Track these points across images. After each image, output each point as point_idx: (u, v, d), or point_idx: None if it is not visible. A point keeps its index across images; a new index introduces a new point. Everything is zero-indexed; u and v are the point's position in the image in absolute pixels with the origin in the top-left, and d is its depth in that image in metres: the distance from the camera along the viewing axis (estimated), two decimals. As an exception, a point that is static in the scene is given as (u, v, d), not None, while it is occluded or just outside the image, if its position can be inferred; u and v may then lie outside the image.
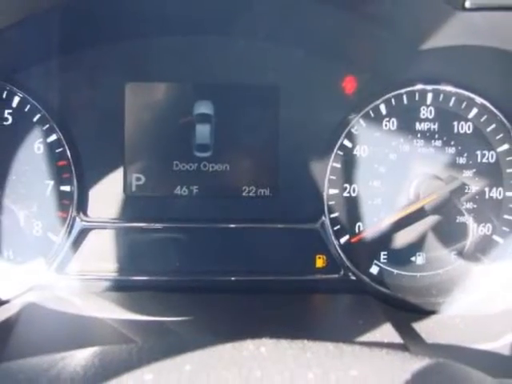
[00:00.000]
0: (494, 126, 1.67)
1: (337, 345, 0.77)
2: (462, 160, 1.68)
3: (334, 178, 1.68)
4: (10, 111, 1.61)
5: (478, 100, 1.66)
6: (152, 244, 1.66)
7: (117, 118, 1.65)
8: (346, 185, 1.69)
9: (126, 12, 1.51)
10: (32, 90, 1.61)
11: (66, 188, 1.63)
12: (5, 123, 1.61)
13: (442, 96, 1.68)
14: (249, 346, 0.75)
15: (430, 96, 1.68)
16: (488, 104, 1.65)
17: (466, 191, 1.68)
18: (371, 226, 1.69)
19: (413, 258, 1.71)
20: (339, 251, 1.68)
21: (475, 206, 1.69)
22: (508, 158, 1.68)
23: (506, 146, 1.67)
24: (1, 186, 1.60)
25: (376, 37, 1.52)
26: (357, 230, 1.70)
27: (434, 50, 1.44)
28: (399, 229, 1.69)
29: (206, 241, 1.67)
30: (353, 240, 1.70)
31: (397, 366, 0.74)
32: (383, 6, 1.37)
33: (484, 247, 1.69)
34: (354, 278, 1.68)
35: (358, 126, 1.67)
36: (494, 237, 1.70)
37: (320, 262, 1.69)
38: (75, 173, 1.63)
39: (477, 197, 1.69)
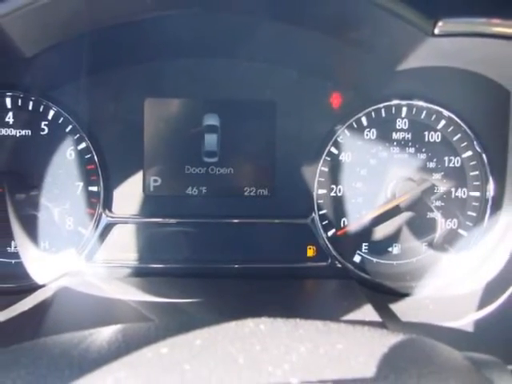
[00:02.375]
0: (459, 135, 1.67)
1: (325, 323, 0.77)
2: (431, 164, 1.68)
3: (322, 179, 1.68)
4: (46, 123, 1.61)
5: (446, 113, 1.66)
6: (167, 236, 1.66)
7: (137, 129, 1.64)
8: (333, 186, 1.68)
9: (145, 38, 1.51)
10: (65, 104, 1.61)
11: (94, 188, 1.63)
12: (42, 133, 1.61)
13: (414, 110, 1.67)
14: (249, 324, 0.75)
15: (404, 110, 1.67)
16: (454, 116, 1.65)
17: (436, 191, 1.67)
18: (354, 221, 1.69)
19: (390, 249, 1.71)
20: (327, 243, 1.68)
21: (443, 203, 1.69)
22: (471, 163, 1.67)
23: (469, 153, 1.67)
24: (38, 187, 1.60)
25: (358, 59, 1.52)
26: (342, 225, 1.69)
27: (408, 71, 1.43)
28: (378, 223, 1.69)
29: (213, 234, 1.67)
30: (339, 233, 1.69)
31: (376, 341, 0.74)
32: (365, 33, 1.37)
33: (451, 239, 1.69)
34: (339, 265, 1.68)
35: (343, 135, 1.67)
36: (460, 230, 1.69)
37: (310, 251, 1.69)
38: (102, 175, 1.62)
39: (444, 196, 1.68)
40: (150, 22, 1.38)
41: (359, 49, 1.44)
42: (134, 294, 1.44)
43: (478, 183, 1.68)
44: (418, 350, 0.75)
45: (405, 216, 1.69)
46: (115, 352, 0.67)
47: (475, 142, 1.66)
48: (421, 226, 1.69)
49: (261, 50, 1.60)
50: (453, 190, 1.68)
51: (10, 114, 1.60)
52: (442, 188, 1.68)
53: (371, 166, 1.68)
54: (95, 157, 1.62)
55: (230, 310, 1.32)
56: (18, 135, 1.60)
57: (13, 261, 1.61)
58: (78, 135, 1.62)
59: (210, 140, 1.67)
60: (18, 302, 1.44)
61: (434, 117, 1.67)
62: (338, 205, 1.69)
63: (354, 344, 0.72)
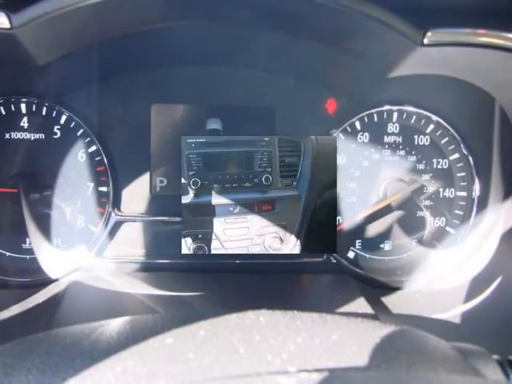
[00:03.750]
0: (446, 138, 1.67)
1: (321, 315, 0.77)
2: (421, 166, 1.68)
3: (318, 180, 1.68)
4: (59, 127, 1.61)
5: (434, 118, 1.66)
6: (172, 234, 1.65)
7: (144, 133, 1.64)
8: (328, 186, 1.68)
9: (152, 47, 1.51)
10: (76, 110, 1.61)
11: (104, 189, 1.63)
12: (54, 137, 1.61)
13: (405, 115, 1.67)
14: (250, 316, 0.75)
15: (395, 115, 1.67)
16: (442, 121, 1.65)
17: (425, 191, 1.68)
18: (348, 219, 1.69)
19: (382, 245, 1.71)
20: (323, 239, 1.68)
21: (432, 203, 1.69)
22: (458, 165, 1.68)
23: (456, 155, 1.67)
24: (51, 187, 1.60)
25: (352, 67, 1.52)
26: (337, 223, 1.69)
27: (399, 78, 1.43)
28: (371, 221, 1.69)
29: (216, 231, 1.67)
30: (334, 230, 1.70)
31: (369, 332, 0.74)
32: (358, 42, 1.37)
33: (439, 236, 1.69)
34: (334, 261, 1.68)
35: (338, 139, 1.67)
36: (447, 228, 1.70)
37: (307, 248, 1.68)
38: (111, 177, 1.62)
39: (433, 196, 1.68)
40: (156, 32, 1.38)
41: (353, 58, 1.44)
42: (141, 288, 1.44)
43: (464, 184, 1.68)
44: (408, 340, 0.75)
45: (396, 214, 1.69)
46: (123, 342, 0.67)
47: (462, 145, 1.66)
48: (411, 224, 1.69)
49: (260, 59, 1.60)
50: (441, 190, 1.69)
51: (25, 118, 1.60)
52: (430, 188, 1.68)
53: (364, 168, 1.68)
54: (105, 159, 1.62)
55: (231, 303, 1.32)
56: (32, 139, 1.60)
57: (28, 256, 1.61)
58: (88, 139, 1.62)
59: (213, 143, 1.67)
60: (33, 295, 1.44)
61: (423, 121, 1.67)
62: (333, 204, 1.69)
63: (347, 335, 0.72)
